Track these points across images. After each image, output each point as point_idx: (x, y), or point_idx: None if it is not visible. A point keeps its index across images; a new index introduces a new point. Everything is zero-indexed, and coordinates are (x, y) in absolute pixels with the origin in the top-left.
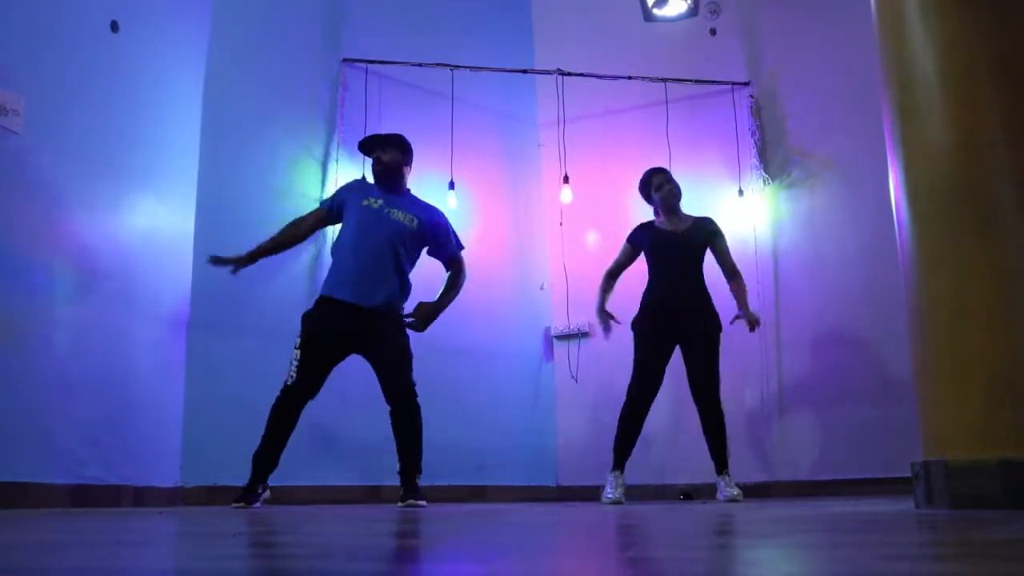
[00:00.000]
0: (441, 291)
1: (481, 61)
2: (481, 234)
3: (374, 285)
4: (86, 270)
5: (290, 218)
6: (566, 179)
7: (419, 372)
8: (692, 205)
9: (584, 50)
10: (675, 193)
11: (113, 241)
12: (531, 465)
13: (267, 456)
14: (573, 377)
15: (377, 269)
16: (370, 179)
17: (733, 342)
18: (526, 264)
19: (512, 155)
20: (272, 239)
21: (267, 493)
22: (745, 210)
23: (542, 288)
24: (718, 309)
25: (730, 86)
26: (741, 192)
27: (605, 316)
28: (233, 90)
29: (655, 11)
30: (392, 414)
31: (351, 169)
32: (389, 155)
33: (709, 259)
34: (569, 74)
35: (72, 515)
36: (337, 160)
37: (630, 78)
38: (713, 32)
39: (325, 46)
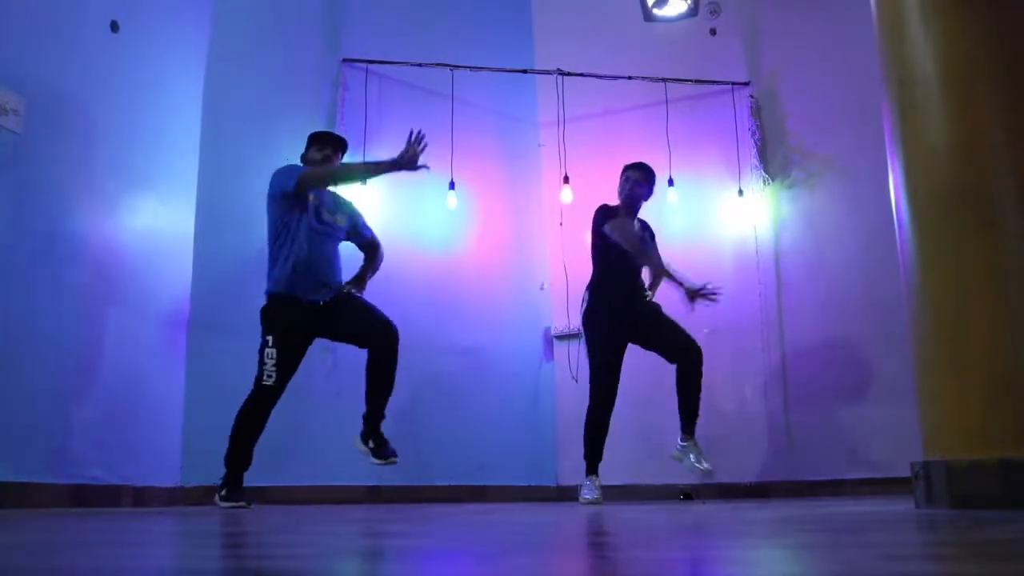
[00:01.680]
0: (363, 268)
1: (481, 61)
2: (481, 234)
3: (329, 281)
4: (86, 270)
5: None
6: (566, 179)
7: (419, 372)
8: (692, 205)
9: (584, 50)
10: (639, 197)
11: (113, 241)
12: (531, 465)
13: (244, 458)
14: (573, 377)
15: (330, 270)
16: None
17: (734, 342)
18: (526, 264)
19: (512, 155)
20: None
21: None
22: (745, 210)
23: (542, 288)
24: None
25: (730, 86)
26: (741, 192)
27: (695, 293)
28: (233, 90)
29: (655, 11)
30: (376, 353)
31: None
32: (338, 159)
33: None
34: (569, 74)
35: (72, 515)
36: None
37: (630, 78)
38: (713, 32)
39: (325, 46)
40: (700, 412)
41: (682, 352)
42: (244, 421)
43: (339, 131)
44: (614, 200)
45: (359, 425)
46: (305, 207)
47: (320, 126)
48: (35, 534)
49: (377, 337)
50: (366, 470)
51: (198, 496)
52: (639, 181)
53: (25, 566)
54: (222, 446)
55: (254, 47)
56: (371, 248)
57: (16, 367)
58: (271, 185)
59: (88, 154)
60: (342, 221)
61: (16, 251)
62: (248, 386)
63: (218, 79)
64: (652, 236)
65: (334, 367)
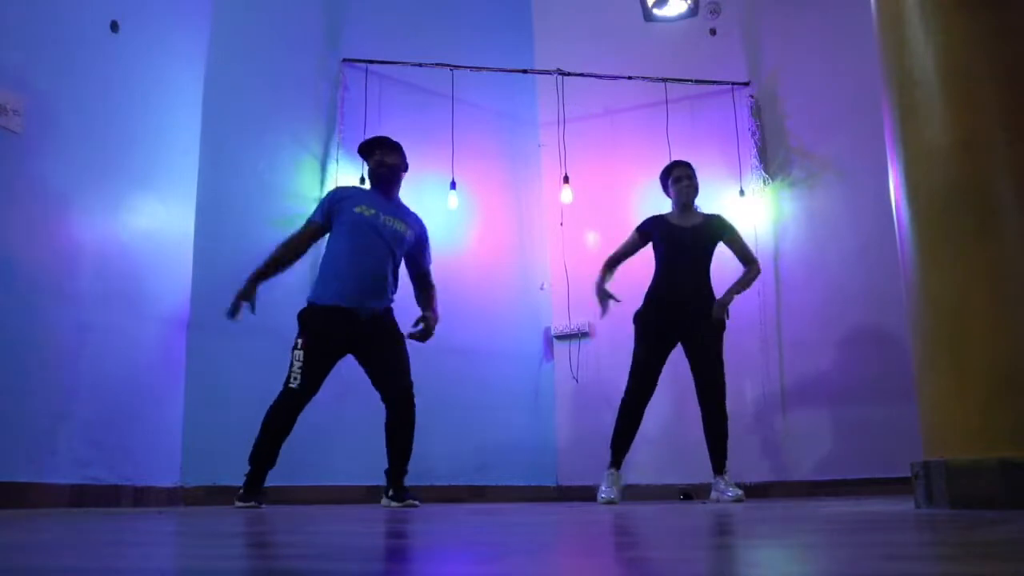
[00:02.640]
0: (430, 305)
1: (481, 61)
2: (481, 234)
3: (375, 293)
4: (86, 270)
5: (287, 224)
6: (566, 179)
7: (419, 372)
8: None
9: (584, 50)
10: (692, 190)
11: (113, 241)
12: (531, 465)
13: (267, 457)
14: (573, 377)
15: (378, 278)
16: (352, 183)
17: (734, 342)
18: (526, 264)
19: (512, 155)
20: (272, 260)
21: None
22: (746, 210)
23: (542, 288)
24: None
25: (730, 86)
26: (742, 192)
27: (605, 295)
28: (233, 90)
29: (655, 11)
30: (391, 413)
31: (351, 169)
32: (392, 158)
33: (719, 259)
34: (569, 74)
35: (72, 515)
36: (337, 160)
37: (630, 78)
38: (713, 32)
39: (325, 46)
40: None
41: (706, 396)
42: (270, 421)
43: (339, 131)
44: (619, 201)
45: (360, 426)
46: (348, 216)
47: (320, 126)
48: (35, 534)
49: (393, 401)
50: (366, 470)
51: (198, 496)
52: (685, 176)
53: (25, 566)
54: (222, 446)
55: (254, 47)
56: (423, 283)
57: (16, 367)
58: (422, 246)
59: (88, 154)
60: (402, 228)
61: (16, 251)
62: (248, 386)
63: (218, 79)
64: (723, 227)
65: (337, 368)
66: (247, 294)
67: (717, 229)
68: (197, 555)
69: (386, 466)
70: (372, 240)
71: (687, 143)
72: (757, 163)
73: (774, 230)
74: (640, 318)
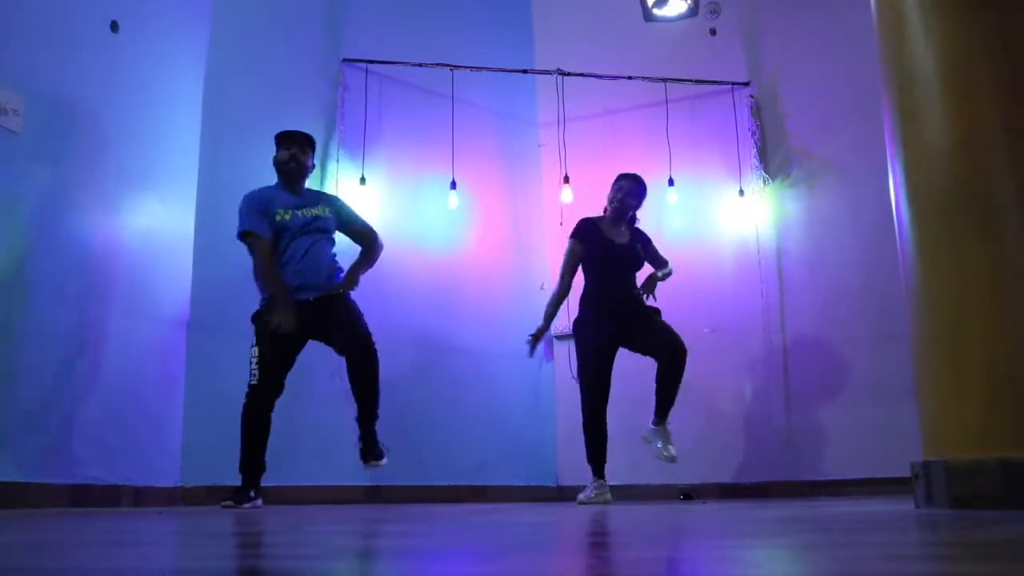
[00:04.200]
0: (357, 261)
1: (481, 61)
2: (481, 234)
3: (318, 282)
4: (86, 270)
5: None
6: (566, 179)
7: (419, 372)
8: (693, 205)
9: (584, 50)
10: (628, 207)
11: (113, 241)
12: (531, 465)
13: (252, 462)
14: (573, 377)
15: (318, 269)
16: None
17: (735, 341)
18: (526, 264)
19: (512, 155)
20: (276, 277)
21: (260, 500)
22: (746, 210)
23: (542, 288)
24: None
25: (730, 86)
26: (742, 192)
27: (537, 340)
28: (233, 90)
29: (655, 11)
30: (353, 364)
31: (351, 169)
32: (307, 157)
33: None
34: (569, 74)
35: (72, 515)
36: (337, 160)
37: (630, 78)
38: (713, 32)
39: (325, 46)
40: (677, 403)
41: (669, 350)
42: (243, 424)
43: (339, 131)
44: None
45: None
46: (273, 225)
47: (320, 126)
48: (35, 534)
49: (355, 351)
50: (366, 470)
51: (198, 496)
52: (630, 192)
53: (25, 566)
54: (222, 446)
55: (254, 47)
56: (365, 238)
57: (16, 367)
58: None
59: (88, 154)
60: (325, 211)
61: (16, 251)
62: (247, 386)
63: (218, 79)
64: (646, 243)
65: (338, 368)
66: (286, 318)
67: (643, 245)
68: (197, 555)
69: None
70: (300, 239)
71: (687, 143)
72: (757, 163)
73: (774, 230)
74: (579, 328)
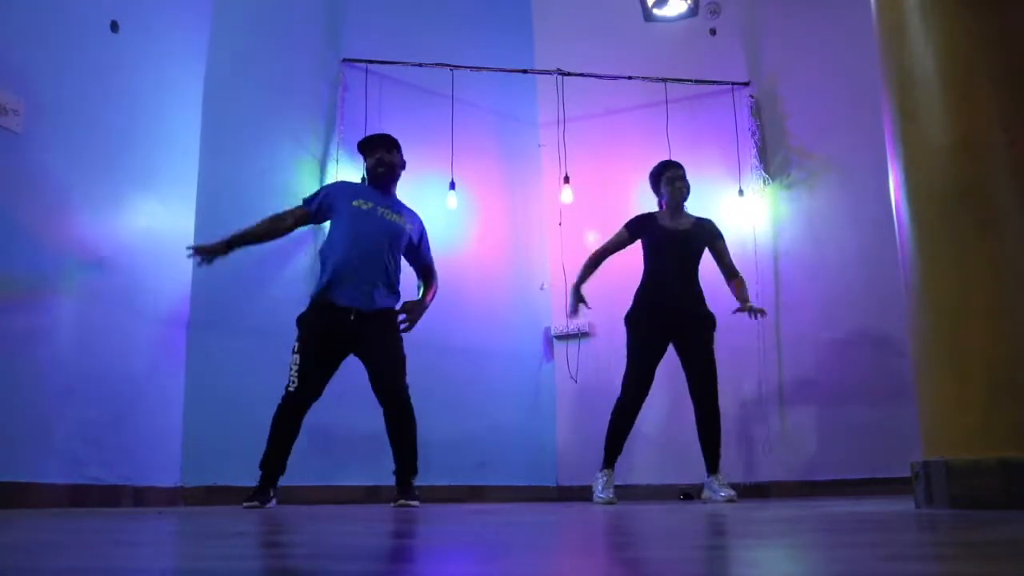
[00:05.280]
0: (422, 294)
1: (481, 61)
2: (481, 234)
3: (372, 287)
4: (86, 270)
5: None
6: (566, 179)
7: (419, 372)
8: (692, 205)
9: (584, 50)
10: (686, 190)
11: (113, 241)
12: (531, 465)
13: (275, 461)
14: (573, 377)
15: (375, 272)
16: (353, 180)
17: (733, 341)
18: (526, 264)
19: (512, 155)
20: (251, 231)
21: (275, 500)
22: (745, 210)
23: (542, 288)
24: (712, 308)
25: (730, 86)
26: (741, 192)
27: (578, 298)
28: (233, 90)
29: (655, 11)
30: (386, 416)
31: (351, 169)
32: (393, 156)
33: (706, 261)
34: (569, 74)
35: (72, 515)
36: (337, 160)
37: (630, 78)
38: (713, 32)
39: (325, 46)
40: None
41: (699, 398)
42: (274, 425)
43: (339, 131)
44: (619, 201)
45: (361, 426)
46: (345, 209)
47: (320, 126)
48: (35, 534)
49: (387, 405)
50: (366, 470)
51: (198, 496)
52: (678, 176)
53: (25, 566)
54: (222, 446)
55: (254, 47)
56: (429, 274)
57: (16, 367)
58: (420, 241)
59: (88, 154)
60: (406, 226)
61: (16, 251)
62: (248, 386)
63: (218, 79)
64: (714, 237)
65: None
66: (213, 249)
67: (709, 234)
68: (197, 555)
69: (393, 467)
70: (369, 230)
71: (687, 143)
72: (757, 163)
73: (773, 230)
74: (631, 320)
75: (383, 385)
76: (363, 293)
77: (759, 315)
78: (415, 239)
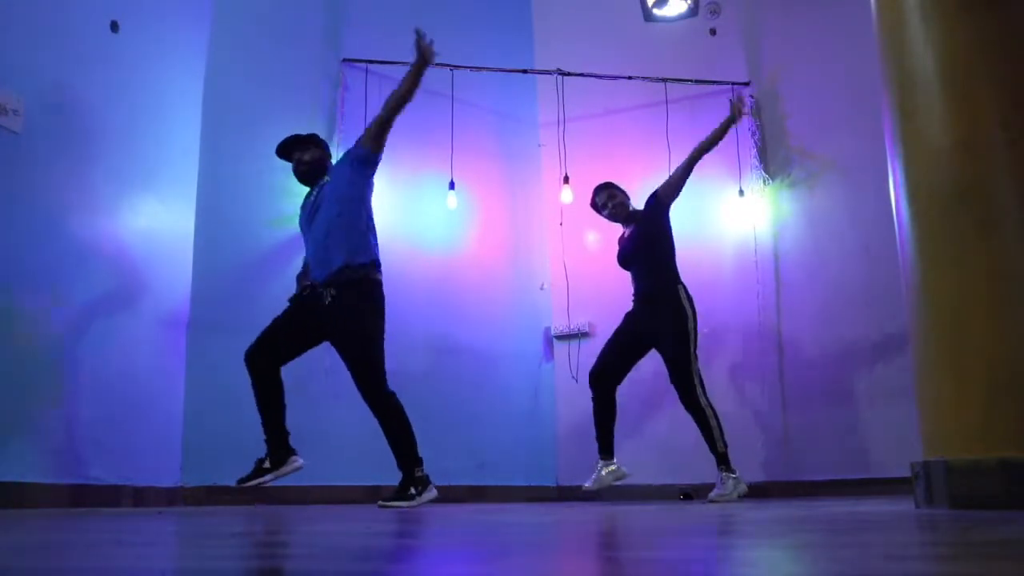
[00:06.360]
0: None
1: (481, 61)
2: (481, 234)
3: (325, 251)
4: (86, 270)
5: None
6: (566, 179)
7: (419, 372)
8: (693, 205)
9: (584, 50)
10: (616, 210)
11: (113, 241)
12: (531, 465)
13: (266, 425)
14: (573, 377)
15: (319, 246)
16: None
17: (733, 342)
18: (526, 264)
19: (512, 155)
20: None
21: (299, 462)
22: (745, 210)
23: (542, 288)
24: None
25: (730, 86)
26: (741, 192)
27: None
28: (233, 90)
29: (655, 11)
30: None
31: None
32: (307, 154)
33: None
34: (569, 74)
35: (72, 515)
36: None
37: (630, 78)
38: (713, 32)
39: (325, 46)
40: (722, 442)
41: (681, 401)
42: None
43: (339, 131)
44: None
45: (360, 426)
46: (302, 218)
47: (320, 126)
48: (35, 534)
49: (361, 394)
50: (366, 470)
51: (198, 496)
52: (603, 204)
53: (25, 566)
54: (222, 446)
55: (254, 47)
56: (386, 107)
57: (16, 367)
58: (351, 162)
59: (88, 154)
60: (328, 181)
61: (16, 251)
62: (248, 386)
63: (218, 79)
64: (653, 199)
65: (332, 367)
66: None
67: (649, 210)
68: (197, 555)
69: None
70: (308, 225)
71: (687, 143)
72: (757, 163)
73: (774, 230)
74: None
75: (357, 386)
76: (320, 261)
77: (741, 104)
78: (347, 163)
